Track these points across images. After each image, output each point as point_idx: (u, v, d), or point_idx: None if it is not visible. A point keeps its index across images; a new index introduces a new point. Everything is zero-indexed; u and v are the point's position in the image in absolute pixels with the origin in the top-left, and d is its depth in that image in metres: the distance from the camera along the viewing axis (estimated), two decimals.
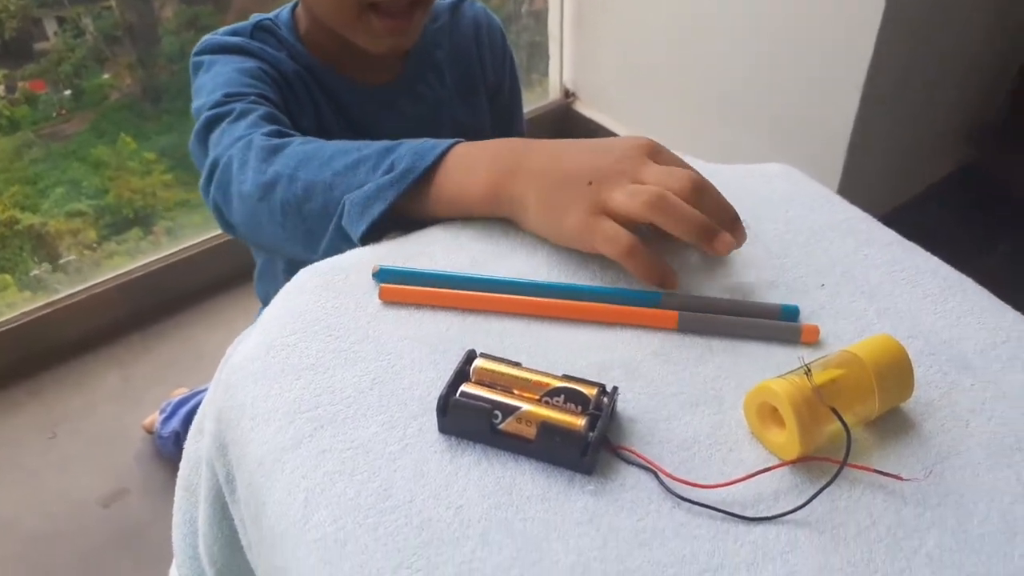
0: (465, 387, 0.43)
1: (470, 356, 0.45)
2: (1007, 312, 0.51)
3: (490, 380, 0.43)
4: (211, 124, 0.69)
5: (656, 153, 0.52)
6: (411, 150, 0.57)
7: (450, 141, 0.57)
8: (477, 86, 0.91)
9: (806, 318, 0.50)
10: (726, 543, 0.38)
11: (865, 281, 0.53)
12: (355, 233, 0.55)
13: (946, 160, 1.75)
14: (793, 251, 0.56)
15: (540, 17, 2.05)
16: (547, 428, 0.40)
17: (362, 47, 0.76)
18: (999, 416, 0.44)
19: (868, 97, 1.41)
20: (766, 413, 0.42)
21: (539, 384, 0.43)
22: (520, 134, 0.99)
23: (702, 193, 0.50)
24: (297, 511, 0.40)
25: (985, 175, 1.69)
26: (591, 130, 2.03)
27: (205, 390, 1.28)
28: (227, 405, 0.47)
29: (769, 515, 0.39)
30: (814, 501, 0.39)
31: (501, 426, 0.41)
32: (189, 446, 0.56)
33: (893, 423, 0.44)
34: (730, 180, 0.64)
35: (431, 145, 0.57)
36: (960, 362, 0.47)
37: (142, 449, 1.37)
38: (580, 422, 0.41)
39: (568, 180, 0.51)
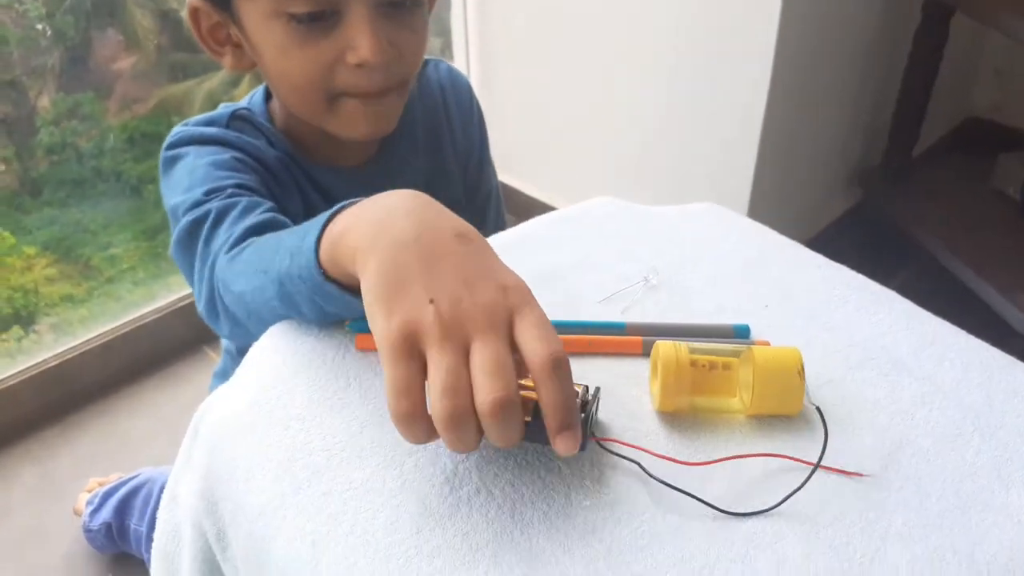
0: None
1: None
2: (930, 318, 0.57)
3: None
4: (192, 230, 0.67)
5: (523, 307, 0.43)
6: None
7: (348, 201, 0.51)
8: (447, 153, 0.89)
9: (756, 335, 0.54)
10: (718, 540, 0.41)
11: (804, 300, 0.58)
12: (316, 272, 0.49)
13: (838, 202, 1.88)
14: (734, 279, 0.60)
15: None
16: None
17: (338, 135, 0.74)
18: (938, 407, 0.49)
19: (764, 149, 1.52)
20: (656, 367, 0.48)
21: (525, 386, 0.44)
22: (493, 195, 0.98)
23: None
24: (306, 554, 0.40)
25: (874, 212, 1.82)
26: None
27: (135, 477, 1.24)
28: (214, 461, 0.47)
29: (761, 509, 0.42)
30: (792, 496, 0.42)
31: None
32: (162, 515, 0.55)
33: (850, 420, 0.48)
34: (664, 221, 0.69)
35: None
36: (898, 364, 0.52)
37: (69, 548, 1.30)
38: None
39: (408, 278, 0.42)
